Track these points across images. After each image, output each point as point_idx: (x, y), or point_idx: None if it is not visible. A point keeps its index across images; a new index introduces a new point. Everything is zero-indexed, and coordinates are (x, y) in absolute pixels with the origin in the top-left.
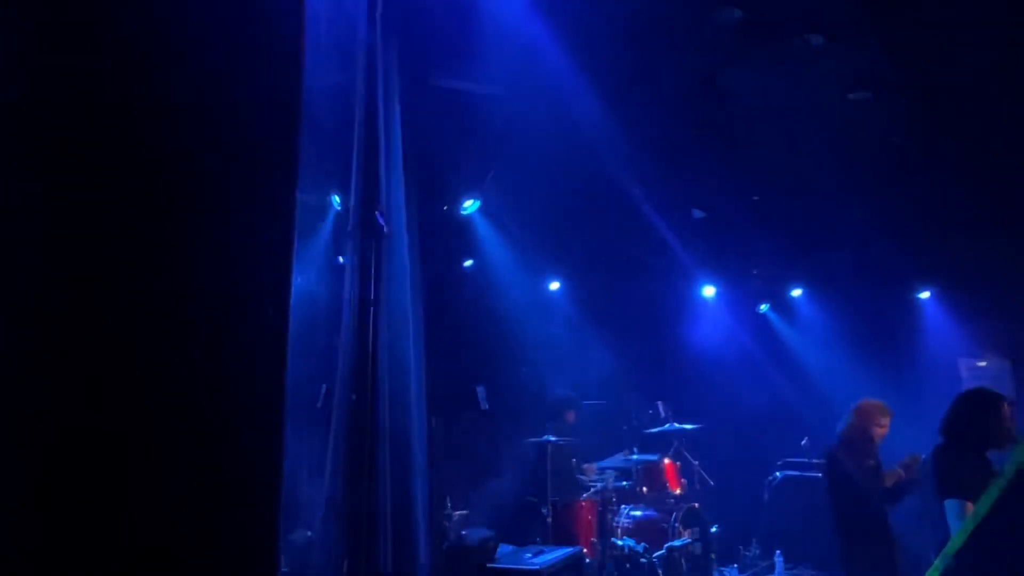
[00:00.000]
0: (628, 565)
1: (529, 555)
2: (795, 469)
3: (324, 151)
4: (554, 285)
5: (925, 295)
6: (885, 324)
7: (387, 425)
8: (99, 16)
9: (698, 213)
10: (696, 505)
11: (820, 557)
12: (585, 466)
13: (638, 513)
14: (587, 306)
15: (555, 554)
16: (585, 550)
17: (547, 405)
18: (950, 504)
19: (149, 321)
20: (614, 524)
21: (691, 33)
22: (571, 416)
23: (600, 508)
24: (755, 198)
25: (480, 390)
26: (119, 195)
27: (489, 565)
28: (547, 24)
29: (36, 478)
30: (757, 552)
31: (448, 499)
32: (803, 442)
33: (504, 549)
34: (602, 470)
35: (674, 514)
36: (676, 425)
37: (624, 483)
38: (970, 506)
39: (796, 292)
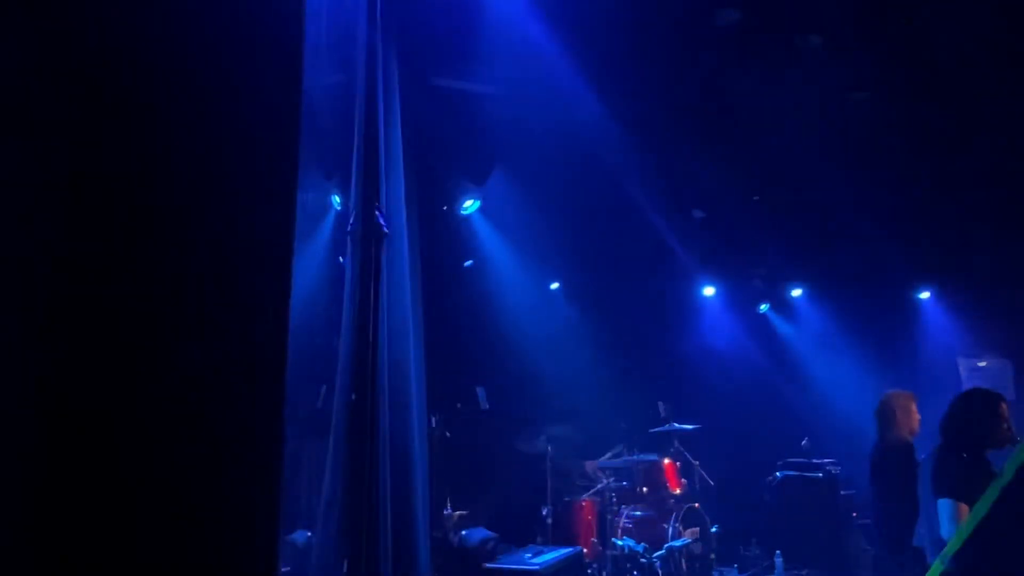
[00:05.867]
0: (628, 565)
1: (529, 555)
2: (795, 469)
3: (324, 151)
4: (554, 285)
5: (925, 295)
6: (885, 324)
7: (387, 425)
8: (98, 16)
9: (698, 213)
10: (696, 505)
11: (820, 557)
12: (587, 463)
13: (638, 513)
14: (587, 306)
15: (555, 554)
16: (585, 550)
17: (554, 411)
18: (943, 504)
19: (149, 321)
20: (614, 524)
21: (691, 34)
22: (572, 429)
23: (600, 508)
24: (755, 198)
25: (480, 390)
26: (119, 195)
27: (489, 565)
28: (547, 25)
29: (35, 477)
30: (757, 552)
31: (448, 499)
32: (803, 442)
33: (504, 549)
34: (602, 470)
35: (674, 514)
36: (676, 425)
37: (624, 483)
38: (964, 507)
39: (796, 292)
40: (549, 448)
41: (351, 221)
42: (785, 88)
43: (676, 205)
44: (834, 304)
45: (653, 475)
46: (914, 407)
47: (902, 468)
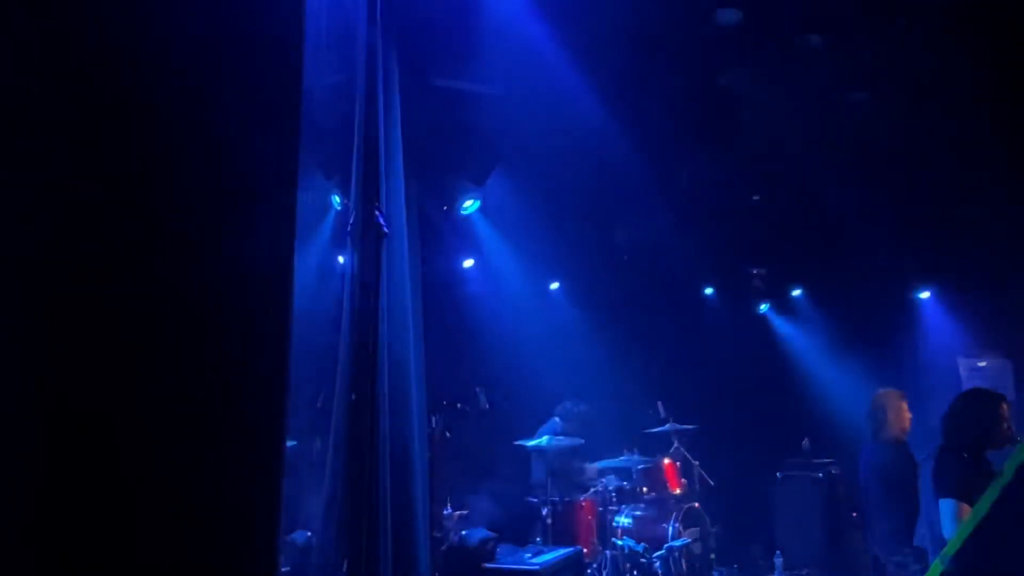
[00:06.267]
0: (628, 565)
1: (529, 555)
2: (795, 469)
3: (324, 151)
4: (554, 285)
5: (925, 295)
6: (885, 324)
7: (387, 425)
8: (98, 16)
9: (699, 210)
10: (696, 505)
11: (820, 557)
12: (586, 466)
13: (638, 513)
14: (587, 306)
15: (555, 554)
16: (585, 550)
17: (562, 411)
18: (945, 504)
19: (149, 321)
20: (614, 524)
21: (691, 34)
22: (574, 427)
23: (600, 508)
24: (755, 198)
25: (480, 390)
26: (119, 195)
27: (489, 565)
28: (547, 24)
29: (35, 477)
30: (757, 552)
31: (448, 499)
32: (803, 442)
33: (504, 549)
34: (602, 470)
35: (674, 514)
36: (676, 425)
37: (624, 483)
38: (965, 507)
39: (796, 292)
40: (549, 448)
41: (351, 221)
42: (785, 88)
43: (676, 205)
44: (834, 304)
45: (653, 475)
46: (905, 406)
47: (898, 467)
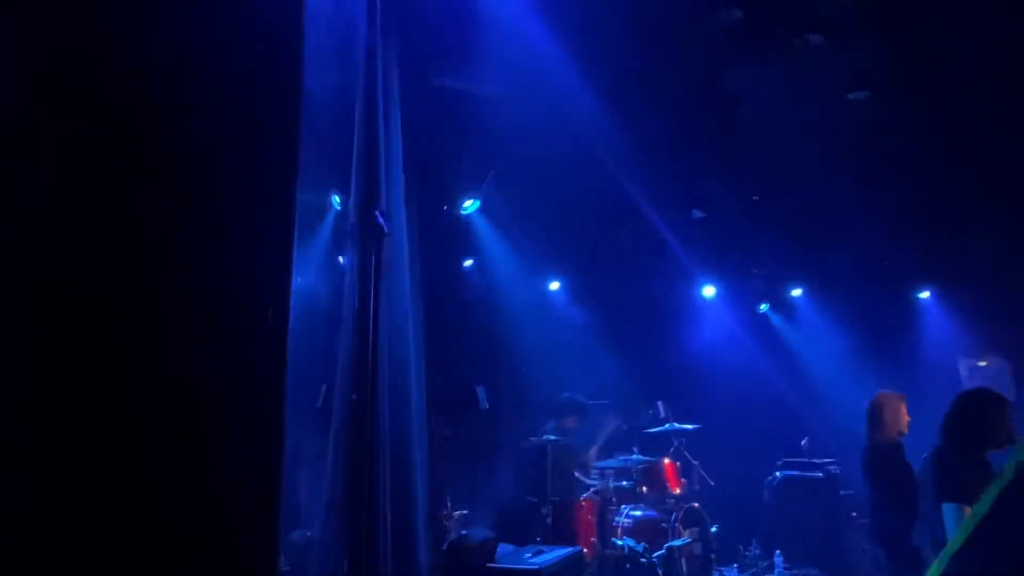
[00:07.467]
0: (628, 565)
1: (529, 555)
2: (795, 469)
3: (324, 151)
4: (554, 285)
5: (925, 295)
6: (885, 324)
7: (387, 425)
8: (98, 16)
9: (698, 213)
10: (696, 505)
11: (820, 557)
12: (587, 454)
13: (638, 513)
14: (587, 306)
15: (555, 554)
16: (585, 550)
17: (553, 405)
18: (947, 508)
19: (149, 321)
20: (614, 524)
21: (691, 33)
22: (573, 421)
23: (600, 508)
24: (755, 198)
25: (480, 390)
26: (120, 196)
27: (489, 565)
28: (547, 24)
29: (35, 477)
30: (757, 552)
31: (448, 499)
32: (803, 442)
33: (504, 549)
34: (602, 470)
35: (674, 514)
36: (676, 425)
37: (624, 483)
38: (968, 510)
39: (796, 292)
40: (549, 447)
41: (351, 221)
42: (785, 88)
43: (676, 205)
44: (834, 304)
45: (653, 475)
46: (903, 408)
47: (894, 468)
